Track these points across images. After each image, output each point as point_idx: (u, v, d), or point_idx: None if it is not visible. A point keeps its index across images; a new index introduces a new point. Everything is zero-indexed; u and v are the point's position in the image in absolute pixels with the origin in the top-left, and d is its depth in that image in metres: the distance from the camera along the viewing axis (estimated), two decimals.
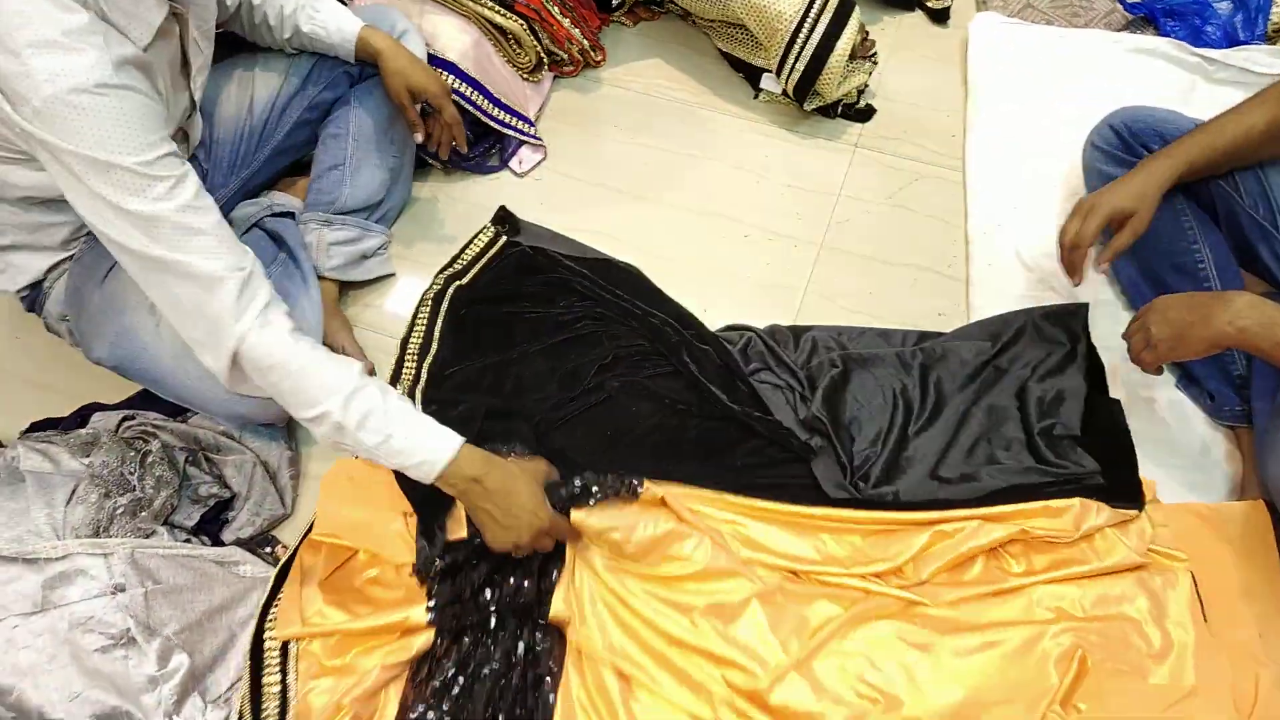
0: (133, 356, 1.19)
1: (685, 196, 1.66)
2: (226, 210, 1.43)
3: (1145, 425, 1.30)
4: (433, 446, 1.06)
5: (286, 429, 1.33)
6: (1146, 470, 1.24)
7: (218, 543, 1.21)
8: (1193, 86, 1.70)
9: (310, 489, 1.31)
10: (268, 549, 1.20)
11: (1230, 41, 1.77)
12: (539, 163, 1.72)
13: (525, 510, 1.08)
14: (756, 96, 1.79)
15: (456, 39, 1.62)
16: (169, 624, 1.07)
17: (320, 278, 1.42)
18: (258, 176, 1.44)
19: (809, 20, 1.60)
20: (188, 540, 1.17)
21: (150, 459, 1.18)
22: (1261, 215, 1.24)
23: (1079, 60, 1.75)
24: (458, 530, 1.15)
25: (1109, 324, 1.37)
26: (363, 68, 1.42)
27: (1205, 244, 1.27)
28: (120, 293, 1.18)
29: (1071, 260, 1.27)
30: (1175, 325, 1.07)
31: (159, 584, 1.09)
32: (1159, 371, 1.17)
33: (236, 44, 1.42)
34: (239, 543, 1.21)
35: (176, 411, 1.29)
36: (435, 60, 1.57)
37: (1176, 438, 1.29)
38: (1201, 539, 1.18)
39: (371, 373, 1.37)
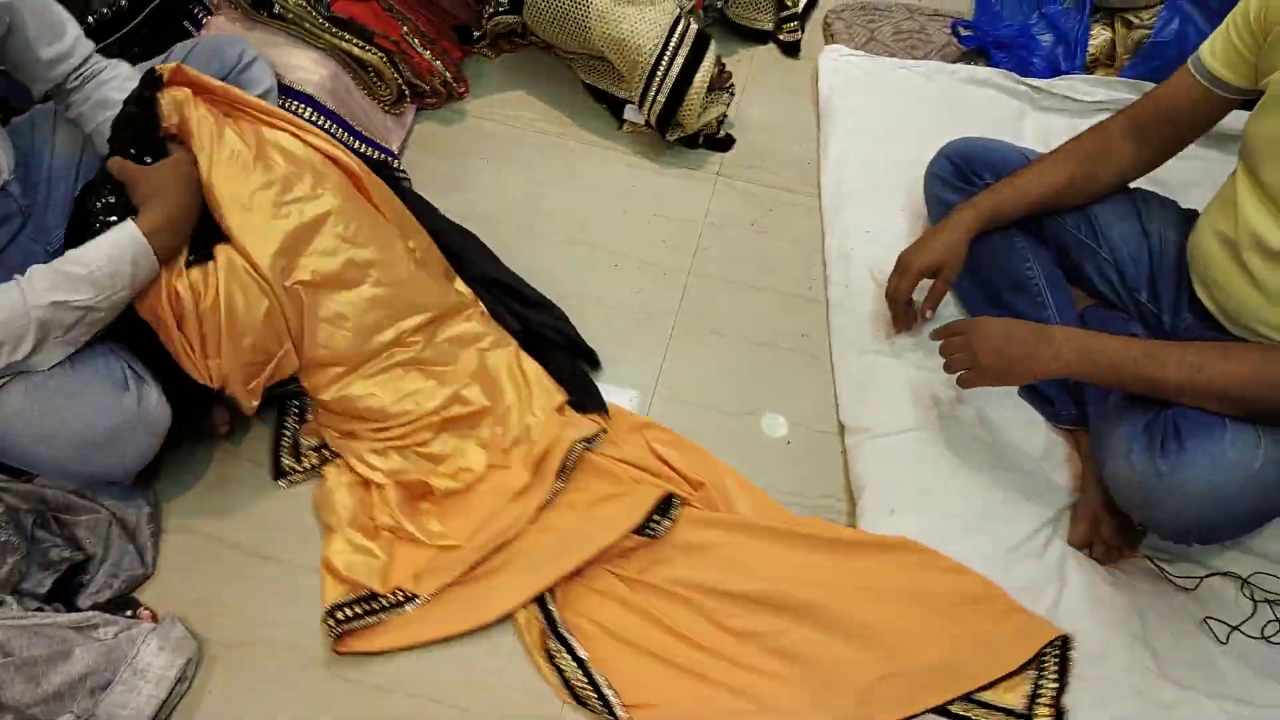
0: None
1: (553, 227, 1.68)
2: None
3: (988, 434, 1.39)
4: (120, 241, 1.06)
5: (145, 482, 1.27)
6: (994, 477, 1.34)
7: (74, 609, 1.14)
8: (1022, 113, 1.83)
9: (172, 545, 1.26)
10: (128, 612, 1.15)
11: (1053, 71, 1.91)
12: None
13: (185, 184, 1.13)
14: (620, 127, 1.83)
15: (314, 71, 1.59)
16: (24, 697, 1.02)
17: None
18: None
19: (668, 53, 1.65)
20: (39, 609, 1.11)
21: None
22: (1085, 235, 1.36)
23: (919, 90, 1.86)
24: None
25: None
26: None
27: (1036, 262, 1.38)
28: None
29: (893, 312, 1.44)
30: (1003, 358, 1.17)
31: (9, 656, 1.03)
32: (971, 386, 1.24)
33: None
34: (96, 607, 1.14)
35: (19, 471, 1.22)
36: (291, 92, 1.54)
37: (1019, 445, 1.38)
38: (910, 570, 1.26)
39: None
